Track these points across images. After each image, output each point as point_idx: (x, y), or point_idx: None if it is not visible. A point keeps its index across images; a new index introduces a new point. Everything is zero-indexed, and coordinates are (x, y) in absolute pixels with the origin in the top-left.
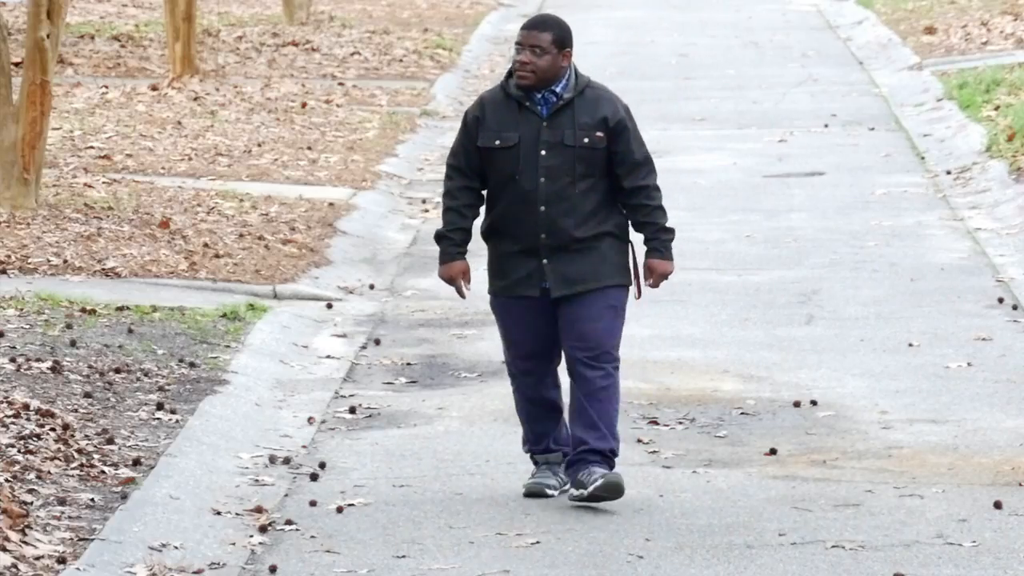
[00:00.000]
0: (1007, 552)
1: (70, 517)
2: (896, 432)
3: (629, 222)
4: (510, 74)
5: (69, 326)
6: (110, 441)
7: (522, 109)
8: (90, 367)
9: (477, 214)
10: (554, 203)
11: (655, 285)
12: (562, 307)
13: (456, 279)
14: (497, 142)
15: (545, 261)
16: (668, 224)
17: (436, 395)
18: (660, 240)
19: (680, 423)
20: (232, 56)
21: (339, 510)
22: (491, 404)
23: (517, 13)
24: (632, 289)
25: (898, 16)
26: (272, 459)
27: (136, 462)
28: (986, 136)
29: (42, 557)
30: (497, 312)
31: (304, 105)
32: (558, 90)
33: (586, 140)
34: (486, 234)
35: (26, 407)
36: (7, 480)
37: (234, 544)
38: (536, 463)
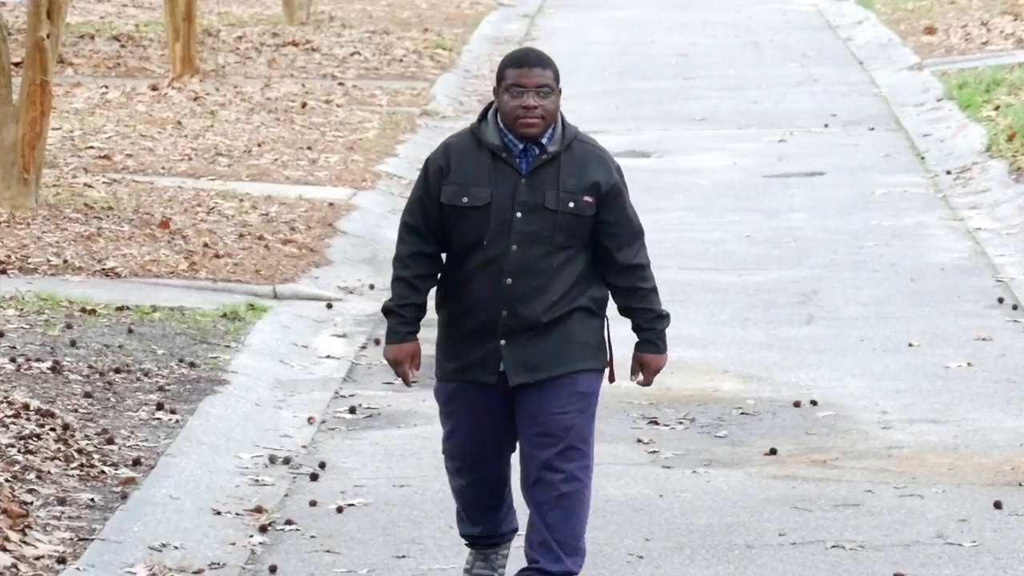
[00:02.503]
0: (1007, 552)
1: (70, 517)
2: (896, 432)
3: (610, 298)
4: (483, 117)
5: (69, 326)
6: (110, 441)
7: (497, 161)
8: (90, 367)
9: (433, 284)
10: (523, 276)
11: (647, 382)
12: (522, 395)
13: (403, 363)
14: (465, 200)
15: (503, 342)
16: (663, 310)
17: None
18: (655, 330)
19: (680, 423)
20: (232, 56)
21: (339, 510)
22: None
23: (517, 13)
24: (608, 373)
25: (898, 16)
26: (272, 459)
27: (136, 462)
28: (986, 136)
29: (42, 557)
30: (443, 399)
31: (304, 105)
32: (543, 141)
33: (571, 205)
34: (439, 304)
35: (26, 407)
36: (7, 480)
37: (234, 544)
38: (472, 546)
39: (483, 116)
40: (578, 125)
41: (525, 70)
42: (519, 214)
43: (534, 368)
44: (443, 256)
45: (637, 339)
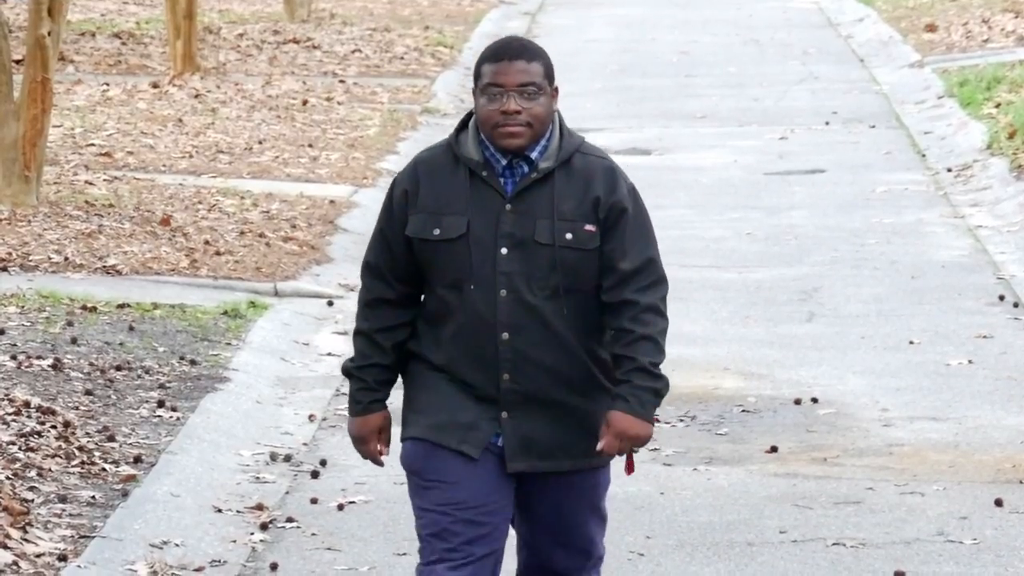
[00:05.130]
0: (1008, 550)
1: (71, 514)
2: (897, 430)
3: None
4: (462, 127)
5: (70, 323)
6: (111, 438)
7: (475, 181)
8: (91, 364)
9: (402, 337)
10: (522, 330)
11: (608, 447)
12: (530, 484)
13: (368, 440)
14: (436, 231)
15: (505, 414)
16: (657, 366)
17: None
18: (630, 384)
19: (681, 420)
20: (233, 53)
21: (340, 507)
22: None
23: (518, 11)
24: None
25: (899, 14)
26: (273, 456)
27: (137, 459)
28: (987, 134)
29: (43, 554)
30: (423, 459)
31: (305, 102)
32: (533, 155)
33: (569, 236)
34: (415, 359)
35: (27, 404)
36: (8, 478)
37: (235, 542)
38: None
39: (463, 125)
40: (578, 123)
41: (504, 64)
42: (504, 250)
43: (541, 454)
44: (416, 299)
45: (614, 393)
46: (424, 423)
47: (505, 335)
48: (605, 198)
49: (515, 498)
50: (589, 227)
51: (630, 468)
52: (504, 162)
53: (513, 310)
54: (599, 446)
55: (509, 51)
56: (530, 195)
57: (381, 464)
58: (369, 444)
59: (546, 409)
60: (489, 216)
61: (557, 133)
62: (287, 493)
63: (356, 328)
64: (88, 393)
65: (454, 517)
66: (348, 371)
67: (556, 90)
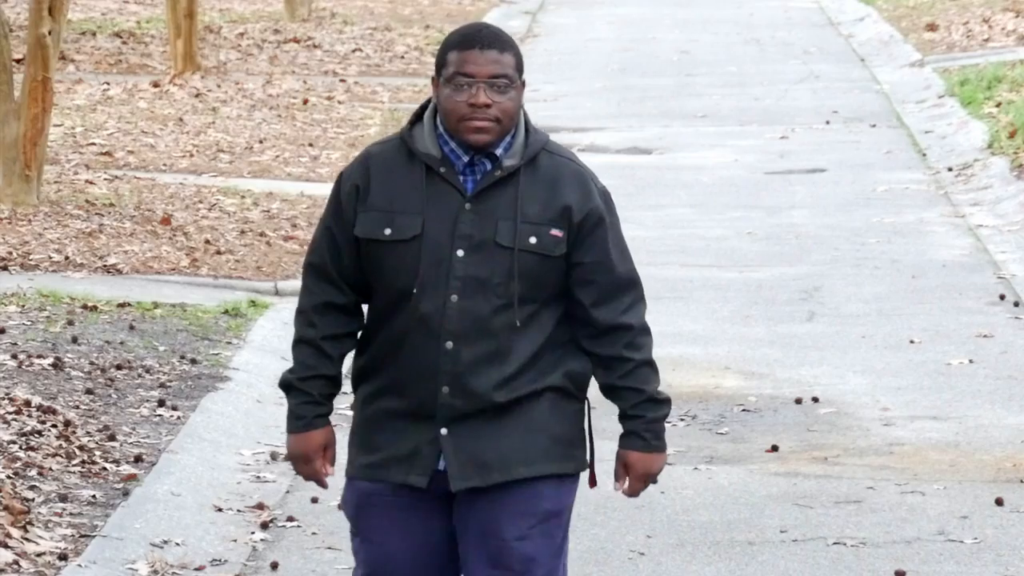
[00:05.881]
0: (1008, 549)
1: (71, 514)
2: (897, 429)
3: (592, 374)
4: (418, 117)
5: (70, 323)
6: (111, 438)
7: (432, 178)
8: (91, 364)
9: (350, 347)
10: (469, 339)
11: (632, 492)
12: (467, 505)
13: (312, 458)
14: (387, 231)
15: (444, 431)
16: (660, 392)
17: None
18: (643, 419)
19: (681, 419)
20: (234, 53)
21: (341, 507)
22: None
23: (519, 10)
24: (589, 476)
25: (899, 13)
26: (274, 455)
27: (137, 459)
28: (987, 133)
29: (44, 553)
30: (353, 509)
31: (306, 102)
32: (497, 152)
33: (533, 240)
34: (356, 377)
35: (27, 404)
36: (8, 477)
37: (236, 541)
38: None
39: (417, 116)
40: (579, 123)
41: (475, 53)
42: (460, 252)
43: (486, 468)
44: (363, 308)
45: (623, 431)
46: (365, 462)
47: (449, 344)
48: (579, 206)
49: (458, 532)
50: (555, 232)
51: (593, 481)
52: (465, 159)
53: (462, 318)
54: (622, 490)
55: (480, 39)
56: (492, 194)
57: (325, 486)
58: (313, 463)
59: (487, 419)
60: (446, 216)
61: (523, 129)
62: (288, 492)
63: (298, 336)
64: (89, 392)
65: (389, 563)
66: (289, 384)
67: (524, 83)
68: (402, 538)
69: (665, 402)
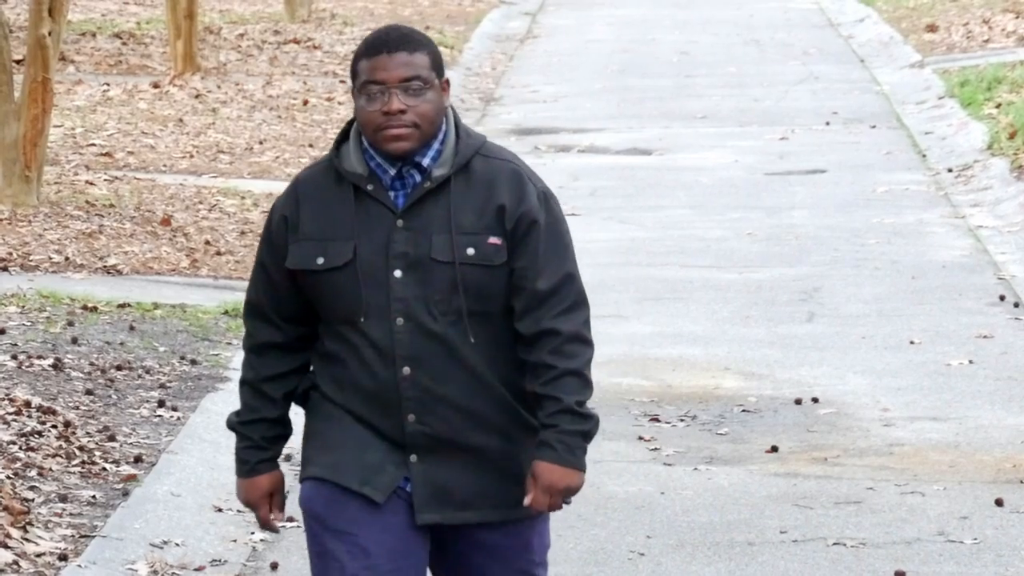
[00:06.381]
0: (1008, 549)
1: (71, 514)
2: (897, 429)
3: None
4: (343, 138)
5: (70, 323)
6: (111, 438)
7: (361, 198)
8: (91, 364)
9: (293, 385)
10: (424, 362)
11: (536, 503)
12: (441, 541)
13: (258, 506)
14: (320, 260)
15: (414, 458)
16: (583, 404)
17: None
18: (557, 429)
19: (681, 420)
20: (234, 53)
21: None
22: None
23: (518, 11)
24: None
25: (899, 14)
26: None
27: (137, 459)
28: (987, 134)
29: (43, 554)
30: (316, 510)
31: (306, 102)
32: (425, 162)
33: (471, 251)
34: (312, 391)
35: (27, 404)
36: (8, 477)
37: (235, 541)
38: None
39: (344, 134)
40: (579, 123)
41: (382, 58)
42: (397, 272)
43: (457, 504)
44: (310, 341)
45: (538, 441)
46: (324, 461)
47: (406, 370)
48: (512, 208)
49: (430, 558)
50: (494, 240)
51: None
52: (392, 172)
53: (412, 340)
54: (526, 501)
55: (388, 43)
56: (424, 208)
57: (276, 531)
58: (260, 510)
59: (461, 453)
60: (379, 236)
61: (452, 134)
62: (287, 493)
63: (241, 376)
64: (89, 393)
65: (359, 570)
66: (232, 426)
67: (447, 83)
68: (371, 538)
69: (588, 418)
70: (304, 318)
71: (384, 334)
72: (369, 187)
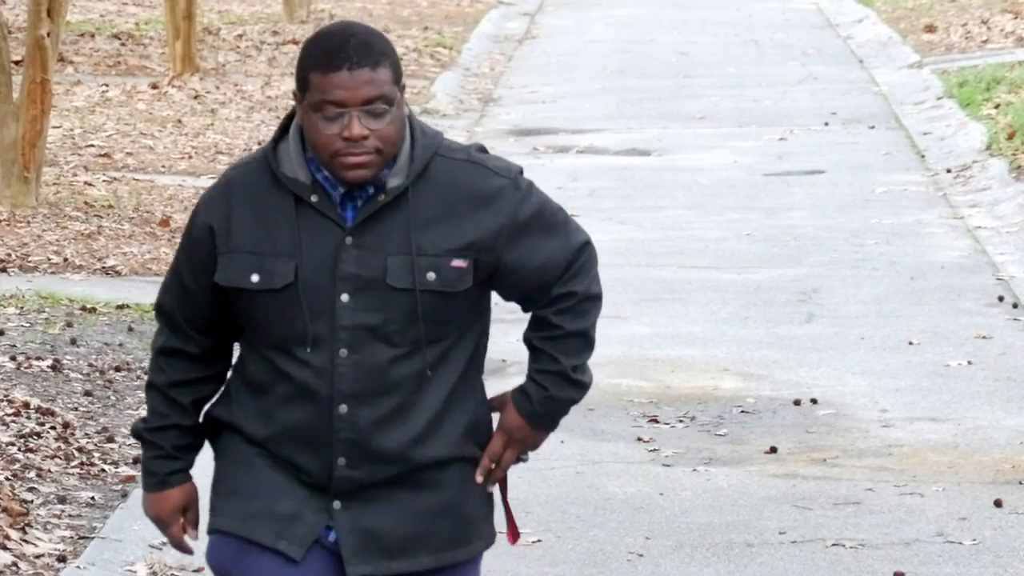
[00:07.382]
0: (1007, 550)
1: (70, 515)
2: (896, 430)
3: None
4: (280, 136)
5: (69, 324)
6: (110, 439)
7: (304, 209)
8: (90, 365)
9: (206, 394)
10: (366, 400)
11: (492, 449)
12: None
13: (171, 523)
14: (254, 278)
15: (338, 504)
16: (579, 368)
17: None
18: (548, 393)
19: (680, 421)
20: (232, 54)
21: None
22: None
23: (517, 11)
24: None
25: (898, 14)
26: None
27: (136, 460)
28: (986, 134)
29: (42, 555)
30: (224, 569)
31: None
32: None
33: (431, 276)
34: (220, 425)
35: (26, 405)
36: (7, 478)
37: None
38: None
39: (283, 130)
40: (578, 124)
41: (343, 76)
42: (345, 296)
43: (395, 553)
44: (225, 351)
45: (517, 387)
46: (233, 512)
47: (343, 408)
48: (488, 222)
49: None
50: (458, 263)
51: (514, 535)
52: (342, 188)
53: (356, 376)
54: (489, 455)
55: (349, 56)
56: (379, 223)
57: (190, 552)
58: (171, 527)
59: (393, 494)
60: (324, 255)
61: (407, 140)
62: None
63: (148, 379)
64: (87, 394)
65: None
66: (139, 434)
67: (403, 88)
68: None
69: (580, 386)
70: (217, 330)
71: (322, 367)
72: (313, 198)
